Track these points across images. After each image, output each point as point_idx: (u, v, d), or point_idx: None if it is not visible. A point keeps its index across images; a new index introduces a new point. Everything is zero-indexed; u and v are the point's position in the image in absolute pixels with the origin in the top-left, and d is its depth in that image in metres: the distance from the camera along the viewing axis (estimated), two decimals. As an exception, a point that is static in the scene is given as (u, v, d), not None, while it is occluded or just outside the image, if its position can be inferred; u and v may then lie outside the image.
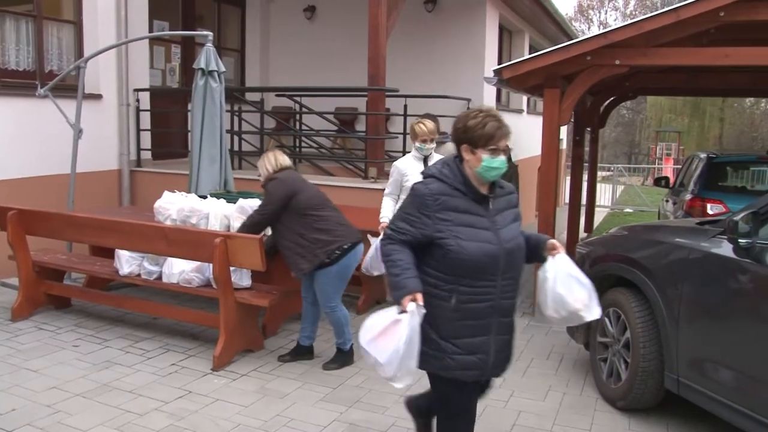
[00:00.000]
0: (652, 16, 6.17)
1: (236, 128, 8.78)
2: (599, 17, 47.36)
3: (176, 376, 4.76)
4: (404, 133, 8.89)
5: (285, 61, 11.38)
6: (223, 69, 6.54)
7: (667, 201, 9.64)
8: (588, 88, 6.64)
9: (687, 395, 3.95)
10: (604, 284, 4.76)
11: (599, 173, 23.57)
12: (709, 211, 7.04)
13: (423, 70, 10.33)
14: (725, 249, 3.66)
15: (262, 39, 11.51)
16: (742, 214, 3.52)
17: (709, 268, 3.82)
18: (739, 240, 3.51)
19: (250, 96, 9.71)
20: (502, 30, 12.21)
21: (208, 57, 6.39)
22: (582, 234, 10.69)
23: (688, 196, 7.73)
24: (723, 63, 6.16)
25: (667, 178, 10.62)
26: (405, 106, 8.92)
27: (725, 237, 3.65)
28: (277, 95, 10.24)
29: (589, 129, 11.39)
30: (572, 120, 10.78)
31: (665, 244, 4.24)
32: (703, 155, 8.31)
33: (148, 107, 8.71)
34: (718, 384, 3.67)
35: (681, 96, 24.51)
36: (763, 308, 3.42)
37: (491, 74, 6.77)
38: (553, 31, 14.02)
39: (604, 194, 19.70)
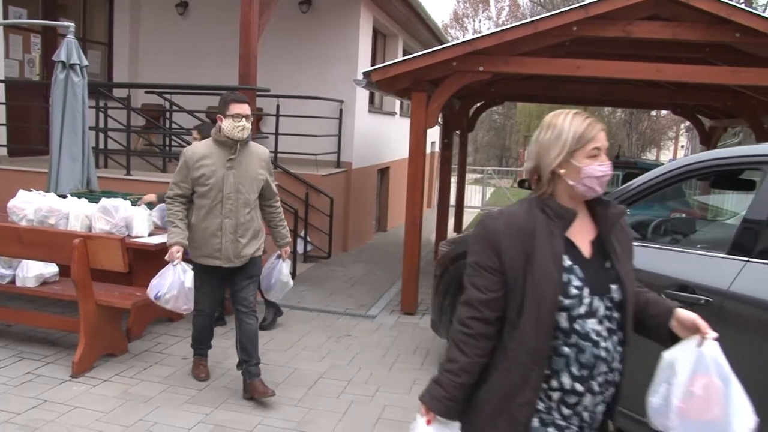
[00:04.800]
0: (512, 27, 6.53)
1: (102, 125, 8.43)
2: (473, 25, 49.09)
3: (31, 385, 4.53)
4: (276, 134, 8.88)
5: (156, 56, 11.03)
6: (85, 63, 6.27)
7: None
8: (454, 92, 6.91)
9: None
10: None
11: (472, 175, 24.50)
12: (564, 212, 7.50)
13: (296, 71, 10.34)
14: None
15: (132, 33, 11.10)
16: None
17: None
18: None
19: (117, 92, 9.35)
20: (377, 33, 12.42)
21: (69, 49, 6.11)
22: (452, 234, 11.08)
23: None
24: (575, 73, 6.62)
25: (528, 180, 11.21)
26: (277, 107, 8.91)
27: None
28: (146, 92, 9.91)
29: (458, 132, 11.81)
30: (441, 123, 11.17)
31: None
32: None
33: (4, 100, 8.20)
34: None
35: (542, 103, 25.81)
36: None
37: (361, 76, 6.92)
38: (427, 36, 14.40)
39: (476, 196, 20.45)
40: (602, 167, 1.95)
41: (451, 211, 12.30)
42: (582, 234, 1.99)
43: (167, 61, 10.83)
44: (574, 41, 6.73)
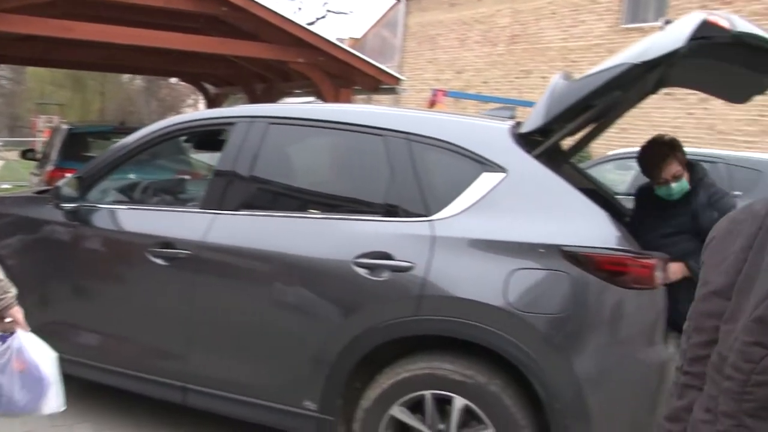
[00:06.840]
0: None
1: None
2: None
3: None
4: None
5: None
6: None
7: (33, 174, 9.49)
8: None
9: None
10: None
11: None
12: (68, 181, 7.22)
13: None
14: (56, 215, 3.80)
15: None
16: (66, 180, 3.72)
17: (45, 236, 3.90)
18: (65, 205, 3.70)
19: None
20: None
21: None
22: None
23: (50, 168, 7.79)
24: (68, 35, 6.41)
25: (33, 150, 10.39)
26: None
27: (55, 204, 3.80)
28: None
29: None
30: None
31: (4, 215, 4.18)
32: (65, 127, 8.43)
33: None
34: (78, 347, 3.74)
35: (46, 67, 24.03)
36: (95, 265, 3.70)
37: None
38: None
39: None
40: None
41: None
42: None
43: None
44: (70, 3, 6.48)
